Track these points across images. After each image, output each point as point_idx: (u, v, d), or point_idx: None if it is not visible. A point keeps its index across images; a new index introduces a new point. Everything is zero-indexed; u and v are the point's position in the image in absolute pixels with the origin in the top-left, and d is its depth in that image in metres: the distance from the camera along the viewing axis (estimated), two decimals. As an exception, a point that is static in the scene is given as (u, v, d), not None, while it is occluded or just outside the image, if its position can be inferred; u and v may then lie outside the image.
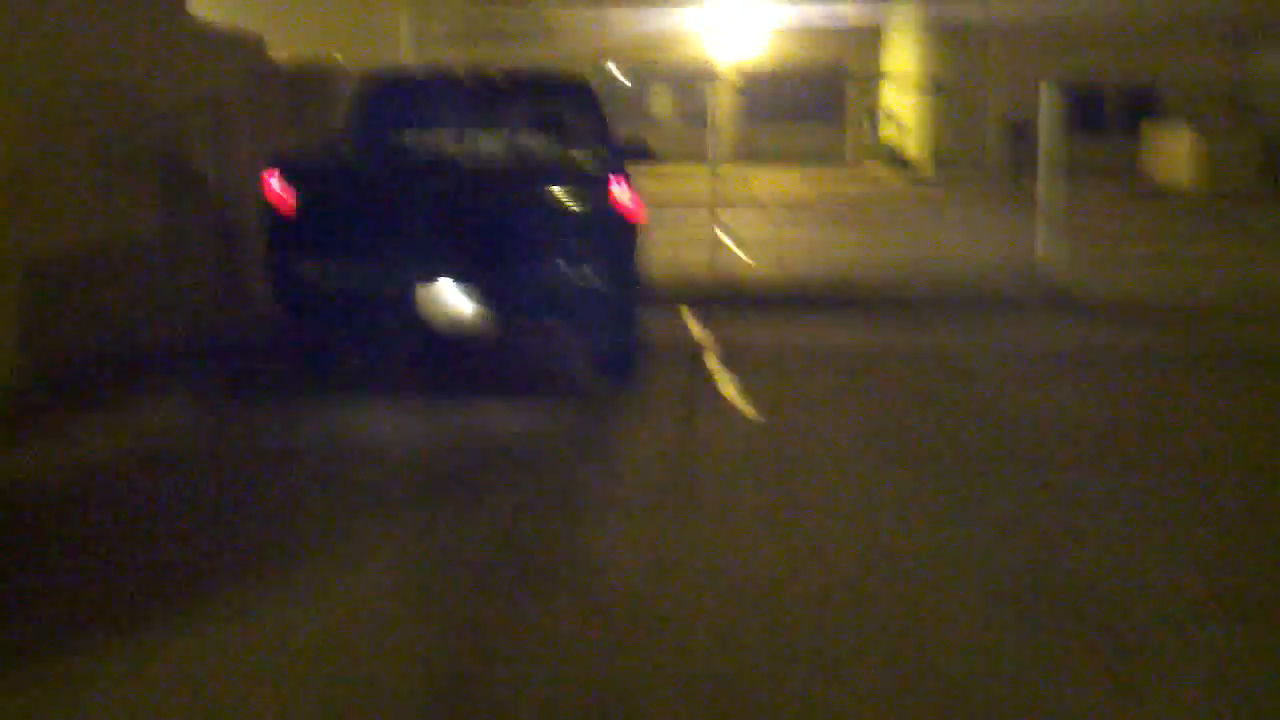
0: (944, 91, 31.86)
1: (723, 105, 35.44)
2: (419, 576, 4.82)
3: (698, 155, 32.81)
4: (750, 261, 13.21)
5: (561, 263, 7.36)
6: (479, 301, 7.32)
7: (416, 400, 7.58)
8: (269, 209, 7.28)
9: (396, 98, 9.27)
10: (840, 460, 6.46)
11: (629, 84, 37.72)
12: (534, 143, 9.16)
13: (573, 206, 7.38)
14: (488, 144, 9.09)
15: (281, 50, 14.10)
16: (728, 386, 7.95)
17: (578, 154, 8.73)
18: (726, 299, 11.36)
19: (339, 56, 13.67)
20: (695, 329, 10.07)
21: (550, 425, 7.14)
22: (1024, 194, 16.68)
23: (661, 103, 35.67)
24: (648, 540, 5.20)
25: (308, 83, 12.19)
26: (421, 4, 32.77)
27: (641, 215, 7.49)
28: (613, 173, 7.35)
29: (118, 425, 6.90)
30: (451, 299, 7.32)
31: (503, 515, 5.51)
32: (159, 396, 7.60)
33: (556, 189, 7.40)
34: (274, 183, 7.22)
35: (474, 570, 4.86)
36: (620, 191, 7.29)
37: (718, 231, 13.21)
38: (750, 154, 35.33)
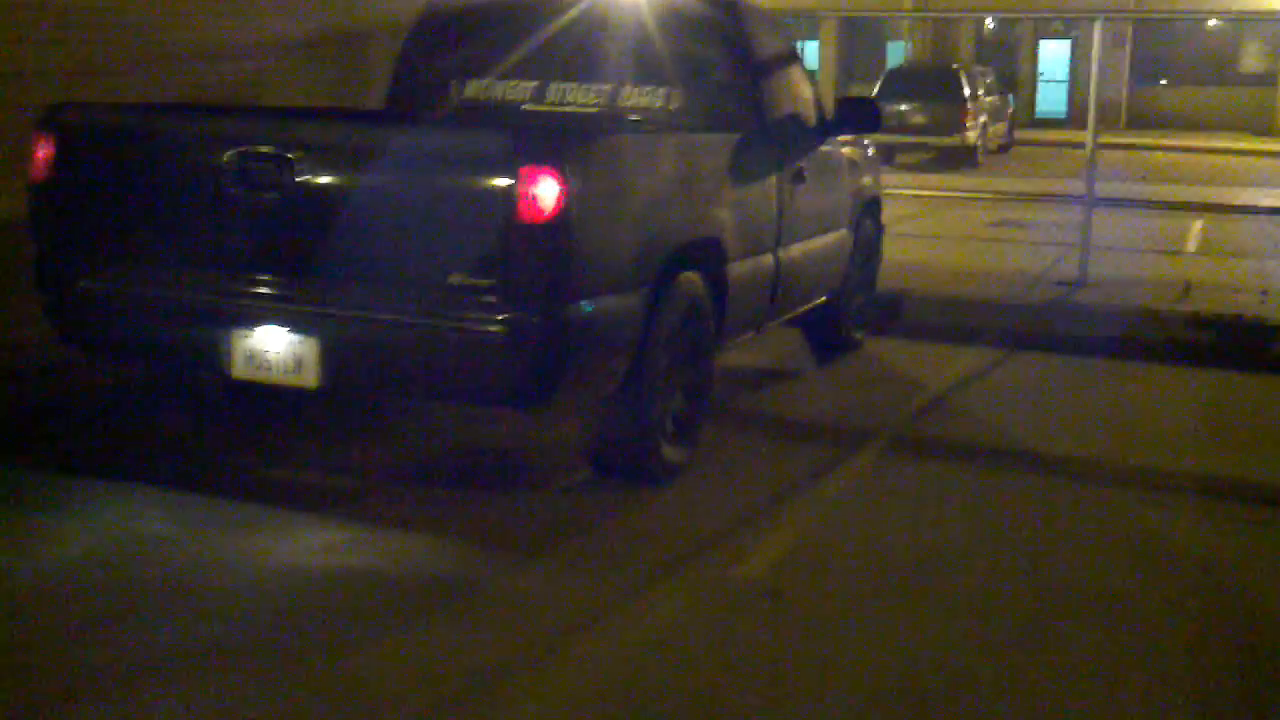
0: None
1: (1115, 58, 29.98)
2: None
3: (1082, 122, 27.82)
4: (1078, 277, 9.03)
5: (438, 302, 4.16)
6: (316, 363, 4.34)
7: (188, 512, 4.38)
8: (32, 185, 4.62)
9: (446, 33, 6.27)
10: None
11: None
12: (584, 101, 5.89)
13: (463, 213, 4.19)
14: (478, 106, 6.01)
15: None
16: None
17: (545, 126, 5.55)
18: (988, 341, 7.56)
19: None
20: (889, 392, 6.48)
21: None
22: None
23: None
24: None
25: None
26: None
27: (580, 232, 4.05)
28: (535, 157, 3.98)
29: None
30: (276, 354, 4.38)
31: None
32: None
33: (438, 185, 4.24)
34: (40, 145, 4.56)
35: None
36: (542, 190, 3.95)
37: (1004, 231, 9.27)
38: (1148, 120, 29.65)
